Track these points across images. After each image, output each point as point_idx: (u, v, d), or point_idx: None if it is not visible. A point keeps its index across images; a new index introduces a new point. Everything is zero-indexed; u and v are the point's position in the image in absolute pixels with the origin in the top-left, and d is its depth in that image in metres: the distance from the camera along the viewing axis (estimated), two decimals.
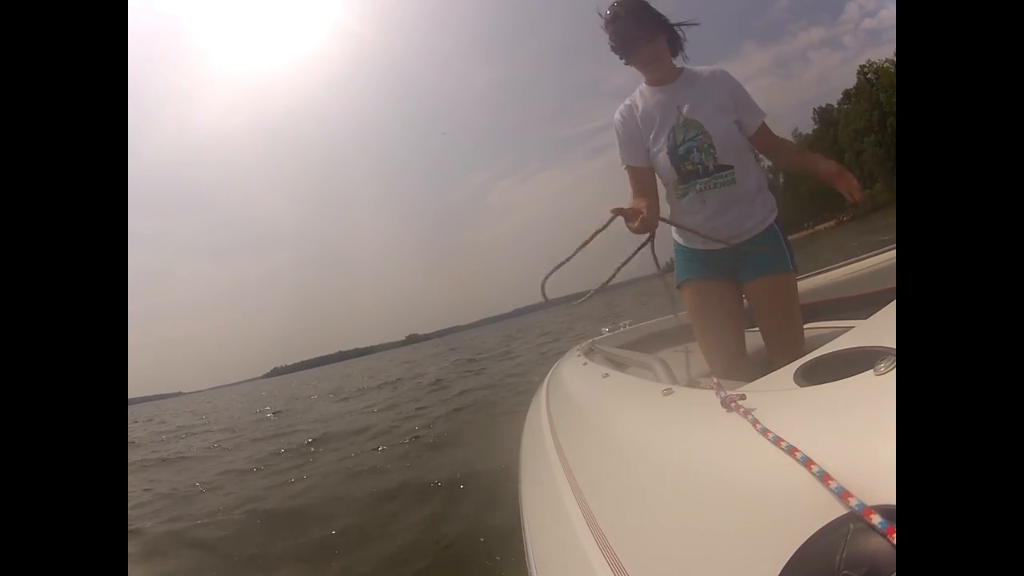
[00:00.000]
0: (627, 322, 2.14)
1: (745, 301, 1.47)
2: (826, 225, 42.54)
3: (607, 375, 1.01)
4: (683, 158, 1.31)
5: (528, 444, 1.06)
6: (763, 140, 1.36)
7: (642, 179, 1.37)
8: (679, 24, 1.31)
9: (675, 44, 1.32)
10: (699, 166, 1.30)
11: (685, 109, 1.30)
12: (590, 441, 0.73)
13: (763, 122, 1.34)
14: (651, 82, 1.35)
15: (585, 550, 0.48)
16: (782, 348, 1.34)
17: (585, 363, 1.36)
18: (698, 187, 1.33)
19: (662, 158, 1.33)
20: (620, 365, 1.25)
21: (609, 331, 2.15)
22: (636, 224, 1.19)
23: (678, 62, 1.36)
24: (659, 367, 0.87)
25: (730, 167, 1.31)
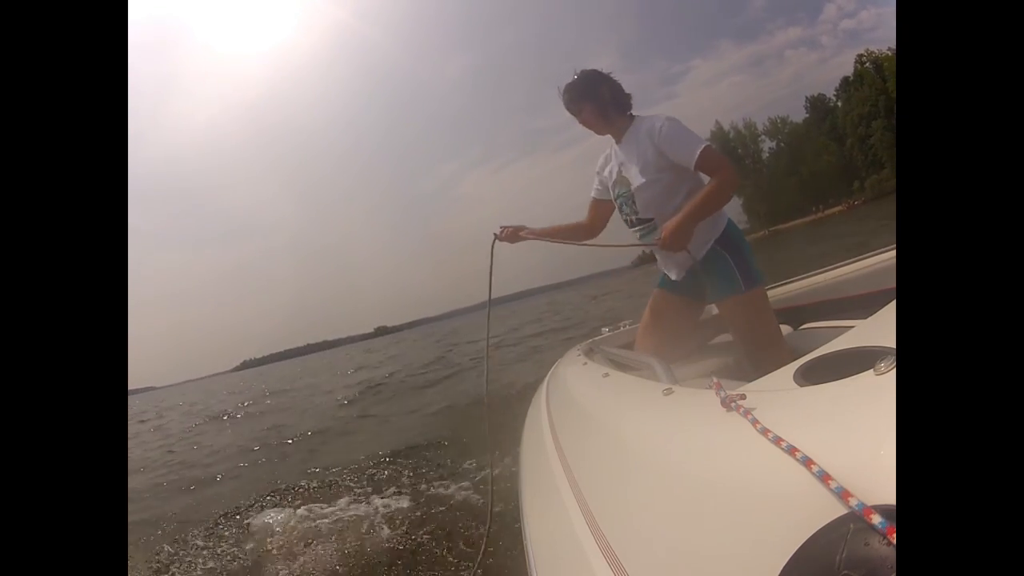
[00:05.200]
0: (627, 322, 2.14)
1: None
2: (837, 209, 42.24)
3: (607, 375, 1.01)
4: (620, 208, 1.58)
5: (528, 444, 1.06)
6: (703, 167, 1.39)
7: (596, 209, 1.69)
8: (610, 85, 1.48)
9: (615, 104, 1.49)
10: (628, 217, 1.55)
11: (621, 167, 1.52)
12: (590, 441, 0.73)
13: (701, 152, 1.36)
14: (612, 136, 1.56)
15: (585, 550, 0.48)
16: (748, 359, 1.47)
17: (585, 363, 1.36)
18: (635, 233, 1.56)
19: (615, 204, 1.60)
20: (620, 365, 1.26)
21: (609, 331, 2.15)
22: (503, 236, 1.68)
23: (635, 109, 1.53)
24: (659, 367, 0.87)
25: (650, 219, 1.50)
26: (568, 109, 1.51)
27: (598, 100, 1.48)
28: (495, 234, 1.70)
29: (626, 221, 1.56)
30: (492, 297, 1.69)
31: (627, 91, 1.51)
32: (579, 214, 1.74)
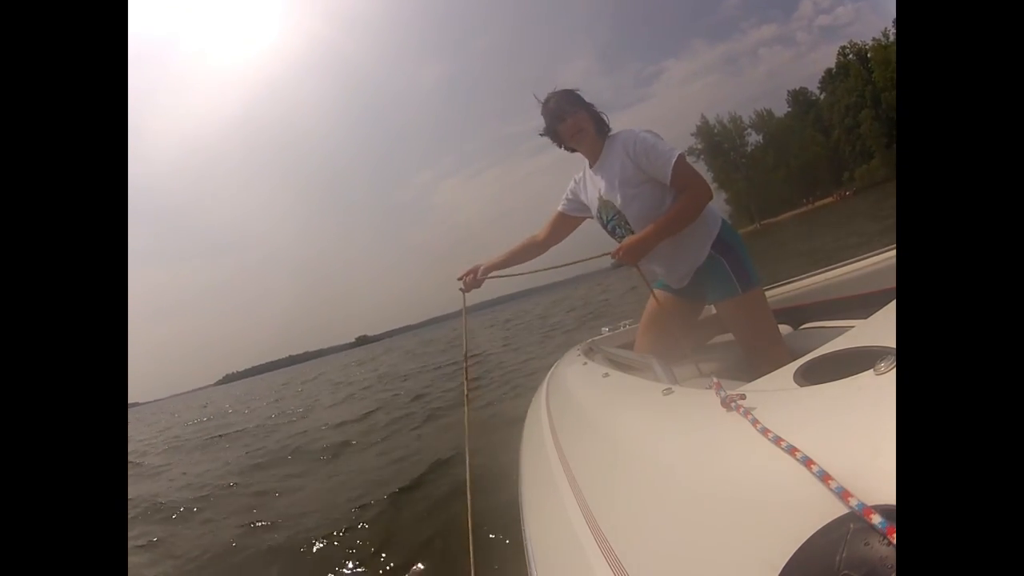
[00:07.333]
0: (627, 322, 2.14)
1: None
2: (828, 200, 42.07)
3: (607, 375, 1.01)
4: (613, 233, 1.55)
5: (528, 444, 1.06)
6: (675, 183, 1.40)
7: (559, 223, 1.67)
8: (600, 111, 1.50)
9: (599, 124, 1.49)
10: (623, 239, 1.50)
11: (602, 190, 1.50)
12: (590, 441, 0.73)
13: (674, 166, 1.37)
14: (586, 156, 1.54)
15: (585, 550, 0.48)
16: (747, 359, 1.48)
17: (585, 363, 1.36)
18: None
19: (606, 231, 1.57)
20: (620, 365, 1.26)
21: (609, 331, 2.15)
22: (463, 282, 1.62)
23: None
24: (659, 367, 0.87)
25: None
26: (558, 112, 1.47)
27: (592, 111, 1.49)
28: (460, 289, 1.65)
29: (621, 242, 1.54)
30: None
31: (604, 101, 1.52)
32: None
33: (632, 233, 1.48)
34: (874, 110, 40.30)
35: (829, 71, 45.35)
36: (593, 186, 1.53)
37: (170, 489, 3.88)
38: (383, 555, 1.85)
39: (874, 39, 40.87)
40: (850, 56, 43.41)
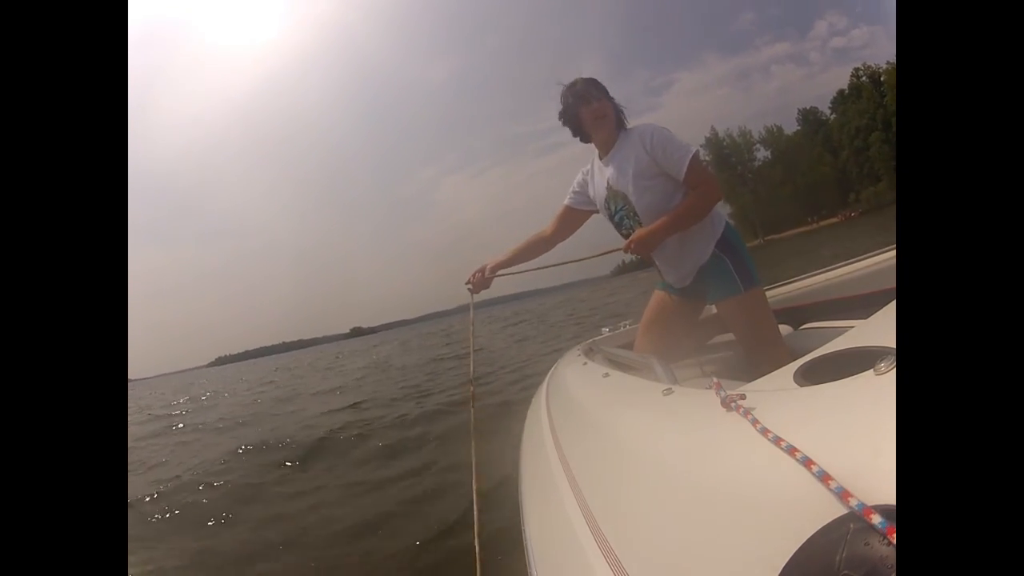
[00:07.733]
0: (627, 322, 2.14)
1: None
2: (833, 220, 42.10)
3: (607, 375, 1.01)
4: (619, 225, 1.56)
5: (528, 444, 1.07)
6: (688, 180, 1.42)
7: (566, 217, 1.67)
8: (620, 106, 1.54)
9: (619, 117, 1.52)
10: (629, 231, 1.52)
11: (612, 181, 1.51)
12: (590, 441, 0.73)
13: (689, 163, 1.39)
14: (599, 146, 1.55)
15: (585, 550, 0.48)
16: (748, 359, 1.48)
17: (585, 363, 1.36)
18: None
19: (612, 223, 1.59)
20: (620, 365, 1.26)
21: (609, 331, 2.15)
22: (472, 283, 1.64)
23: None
24: (659, 367, 0.87)
25: None
26: (584, 94, 1.48)
27: (615, 103, 1.51)
28: (468, 288, 1.66)
29: (628, 235, 1.52)
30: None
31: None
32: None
33: (640, 225, 1.49)
34: (884, 133, 40.35)
35: (841, 92, 45.50)
36: (602, 177, 1.54)
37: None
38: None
39: (888, 62, 40.70)
40: (863, 78, 43.47)
